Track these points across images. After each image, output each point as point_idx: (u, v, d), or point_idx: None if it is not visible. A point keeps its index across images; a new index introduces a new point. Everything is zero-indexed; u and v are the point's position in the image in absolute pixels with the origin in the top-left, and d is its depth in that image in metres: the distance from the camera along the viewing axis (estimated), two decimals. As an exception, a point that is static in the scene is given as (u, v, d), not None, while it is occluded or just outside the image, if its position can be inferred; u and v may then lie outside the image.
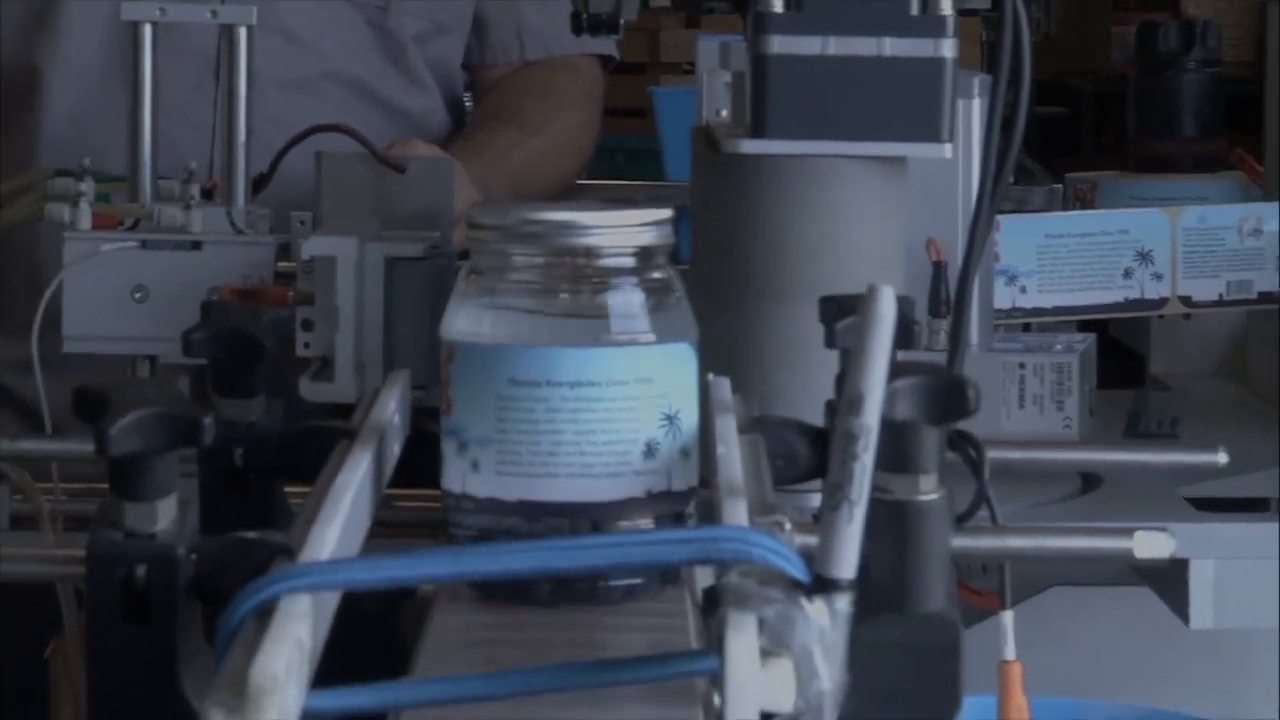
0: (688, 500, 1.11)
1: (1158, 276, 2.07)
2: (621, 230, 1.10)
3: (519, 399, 1.08)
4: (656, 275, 1.11)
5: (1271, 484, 2.10)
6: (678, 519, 1.10)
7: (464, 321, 1.11)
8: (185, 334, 1.32)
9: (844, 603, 0.89)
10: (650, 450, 1.09)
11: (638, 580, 1.08)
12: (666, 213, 1.12)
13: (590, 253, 1.10)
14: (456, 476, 1.11)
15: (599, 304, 1.10)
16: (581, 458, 1.08)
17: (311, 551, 0.97)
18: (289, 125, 1.85)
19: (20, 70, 2.22)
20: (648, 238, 1.11)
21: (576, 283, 1.10)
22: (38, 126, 2.20)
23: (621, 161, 3.05)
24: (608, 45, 2.39)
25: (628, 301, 1.10)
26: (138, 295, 1.67)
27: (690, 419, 1.11)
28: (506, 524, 1.09)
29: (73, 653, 1.38)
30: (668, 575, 1.10)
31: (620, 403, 1.09)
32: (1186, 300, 2.09)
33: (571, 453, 1.08)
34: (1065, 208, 2.44)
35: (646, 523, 1.09)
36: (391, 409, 1.21)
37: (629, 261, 1.10)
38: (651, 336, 1.10)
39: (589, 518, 1.08)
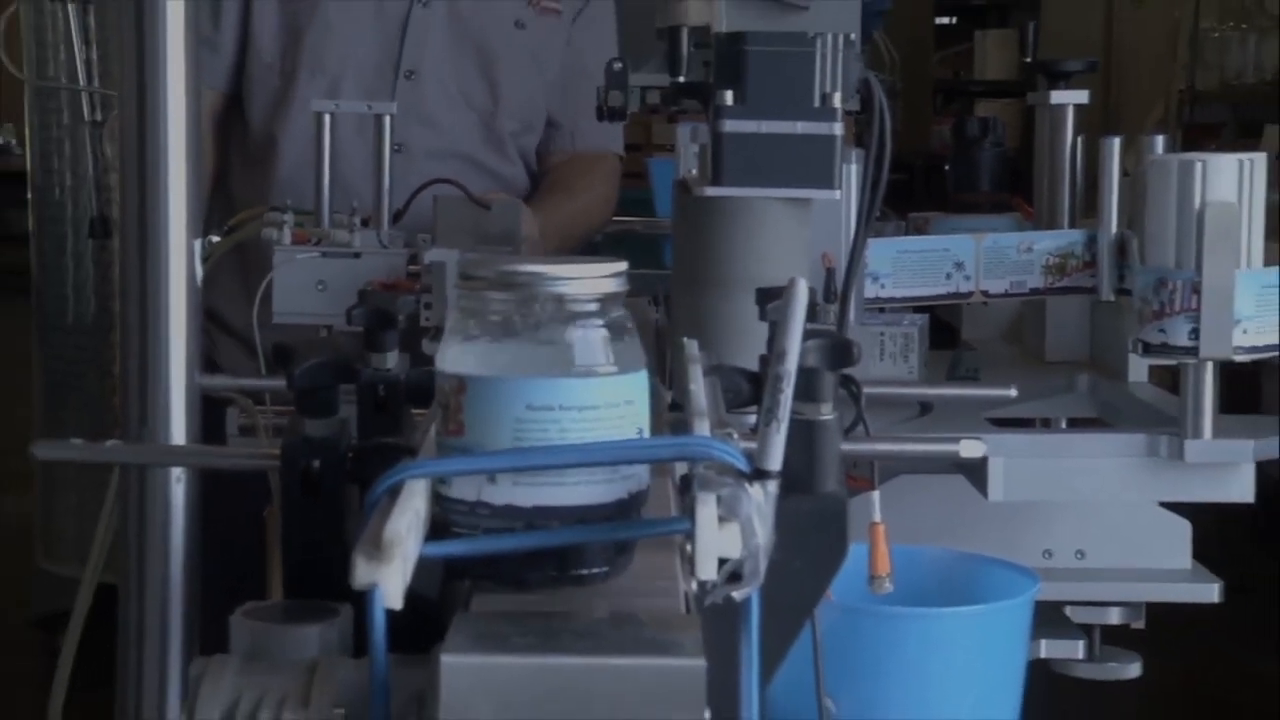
0: (645, 499, 0.90)
1: (967, 278, 2.04)
2: (588, 280, 0.88)
3: (535, 421, 0.86)
4: (616, 315, 0.89)
5: (1039, 410, 2.09)
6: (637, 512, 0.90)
7: (474, 358, 0.87)
8: (348, 311, 1.29)
9: (773, 486, 0.86)
10: None
11: (605, 569, 0.88)
12: (622, 265, 0.89)
13: (562, 299, 0.87)
14: (470, 487, 0.86)
15: (573, 340, 0.87)
16: (585, 468, 0.87)
17: (426, 452, 0.95)
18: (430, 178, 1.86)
19: (264, 137, 2.23)
20: (610, 286, 0.88)
21: (553, 321, 0.87)
22: (272, 176, 2.21)
23: (629, 206, 3.04)
24: (619, 148, 2.45)
25: (602, 336, 0.88)
26: (320, 286, 1.69)
27: (647, 432, 0.90)
28: (519, 525, 0.86)
29: (277, 516, 1.35)
30: (623, 560, 0.90)
31: (614, 421, 0.87)
32: (985, 293, 2.05)
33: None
34: (908, 234, 2.40)
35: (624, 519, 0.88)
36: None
37: (594, 306, 0.88)
38: (625, 368, 0.88)
39: (590, 518, 0.87)
